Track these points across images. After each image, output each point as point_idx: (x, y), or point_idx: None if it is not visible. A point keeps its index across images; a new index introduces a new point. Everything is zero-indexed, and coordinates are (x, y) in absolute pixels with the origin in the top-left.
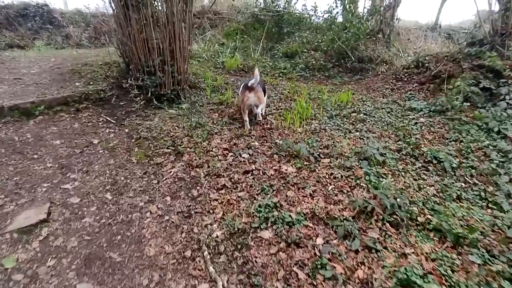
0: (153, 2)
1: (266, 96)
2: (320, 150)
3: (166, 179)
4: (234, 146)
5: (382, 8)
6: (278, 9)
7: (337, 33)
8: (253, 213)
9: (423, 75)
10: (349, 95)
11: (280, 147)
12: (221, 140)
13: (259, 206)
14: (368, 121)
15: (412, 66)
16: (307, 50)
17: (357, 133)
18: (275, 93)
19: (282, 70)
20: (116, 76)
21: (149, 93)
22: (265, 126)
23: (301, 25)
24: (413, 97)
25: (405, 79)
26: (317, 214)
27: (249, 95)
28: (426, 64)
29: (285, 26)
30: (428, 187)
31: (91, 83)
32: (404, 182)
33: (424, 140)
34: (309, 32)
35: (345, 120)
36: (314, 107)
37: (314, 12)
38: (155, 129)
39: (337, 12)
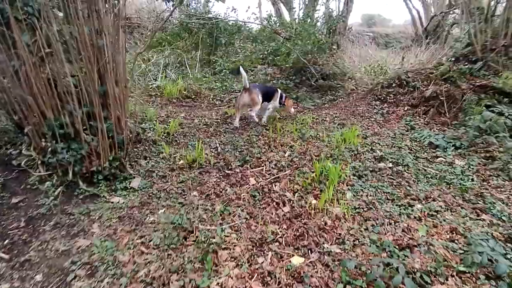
0: (60, 12)
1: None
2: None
3: None
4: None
5: (334, 17)
6: (211, 17)
7: (294, 45)
8: None
9: (412, 95)
10: (353, 131)
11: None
12: (240, 269)
13: None
14: (407, 176)
15: (395, 84)
16: (257, 64)
17: (419, 206)
18: (254, 135)
19: (238, 94)
20: None
21: (70, 173)
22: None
23: (240, 34)
24: (417, 126)
25: (391, 100)
26: None
27: (244, 95)
28: (412, 83)
29: (222, 36)
30: None
31: None
32: None
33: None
34: (251, 43)
35: (378, 177)
36: (314, 151)
37: (256, 20)
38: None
39: (273, 22)
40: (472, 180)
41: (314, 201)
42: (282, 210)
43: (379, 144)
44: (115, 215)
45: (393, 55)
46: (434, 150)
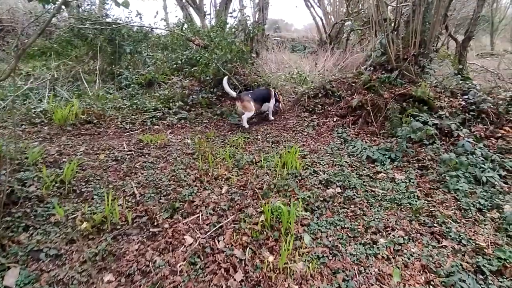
0: None
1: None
2: None
3: None
4: None
5: (250, 24)
6: (111, 21)
7: (212, 55)
8: None
9: (339, 105)
10: (292, 153)
11: None
12: None
13: None
14: (358, 201)
15: (321, 94)
16: (171, 75)
17: (382, 240)
18: (181, 169)
19: (154, 113)
20: None
21: None
22: None
23: (147, 41)
24: (349, 138)
25: (319, 111)
26: None
27: (237, 104)
28: (338, 93)
29: (126, 43)
30: None
31: None
32: None
33: (465, 227)
34: (162, 51)
35: (331, 207)
36: (255, 183)
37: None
38: None
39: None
40: (418, 198)
41: (271, 258)
42: (234, 279)
43: (320, 164)
44: None
45: (305, 60)
46: (373, 165)
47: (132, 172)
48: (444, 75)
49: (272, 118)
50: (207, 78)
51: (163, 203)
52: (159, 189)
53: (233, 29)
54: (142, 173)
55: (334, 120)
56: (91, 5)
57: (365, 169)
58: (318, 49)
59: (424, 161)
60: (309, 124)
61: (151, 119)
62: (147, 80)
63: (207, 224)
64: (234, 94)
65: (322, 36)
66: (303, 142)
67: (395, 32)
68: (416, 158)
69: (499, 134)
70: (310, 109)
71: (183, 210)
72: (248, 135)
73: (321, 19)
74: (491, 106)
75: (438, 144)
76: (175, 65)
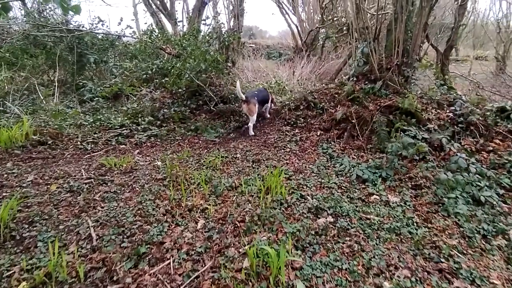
0: None
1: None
2: None
3: None
4: None
5: (224, 32)
6: (73, 28)
7: (184, 65)
8: None
9: (322, 118)
10: (276, 176)
11: None
12: None
13: None
14: (354, 233)
15: (302, 106)
16: (141, 86)
17: (387, 285)
18: (149, 200)
19: (120, 130)
20: None
21: None
22: None
23: (114, 50)
24: (335, 154)
25: (301, 124)
26: None
27: (243, 106)
28: (320, 105)
29: (89, 52)
30: None
31: None
32: None
33: (474, 260)
34: (130, 60)
35: (324, 243)
36: (236, 214)
37: (134, 34)
38: None
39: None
40: (417, 225)
41: None
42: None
43: (307, 186)
44: None
45: (282, 67)
46: (364, 186)
47: (90, 207)
48: (429, 85)
49: (268, 116)
50: (180, 90)
51: (126, 247)
52: (121, 228)
53: (207, 37)
54: (102, 207)
55: (318, 134)
56: (53, 10)
57: (356, 190)
58: (294, 56)
59: (417, 178)
60: (292, 139)
61: (116, 138)
62: (113, 92)
63: (179, 274)
64: (244, 97)
65: (298, 43)
66: (286, 160)
67: (376, 41)
68: (408, 175)
69: (490, 148)
70: (292, 122)
71: (150, 256)
72: (226, 153)
73: (297, 26)
74: (479, 118)
75: (429, 160)
76: (145, 76)
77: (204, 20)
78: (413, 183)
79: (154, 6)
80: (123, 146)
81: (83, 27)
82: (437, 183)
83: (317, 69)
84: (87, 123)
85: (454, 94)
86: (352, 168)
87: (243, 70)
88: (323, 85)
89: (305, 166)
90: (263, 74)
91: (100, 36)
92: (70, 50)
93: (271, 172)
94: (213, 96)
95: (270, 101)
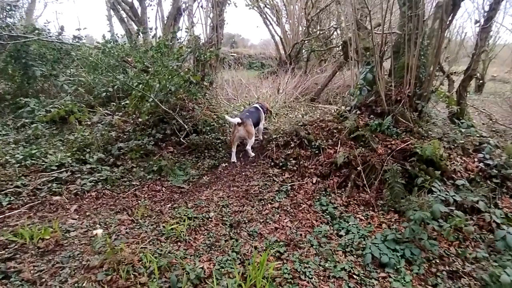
0: None
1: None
2: None
3: None
4: None
5: (202, 44)
6: (16, 35)
7: (149, 88)
8: None
9: (318, 160)
10: (263, 265)
11: None
12: None
13: None
14: None
15: (293, 144)
16: (100, 108)
17: None
18: None
19: (57, 173)
20: None
21: None
22: None
23: (69, 61)
24: (337, 212)
25: (292, 166)
26: None
27: (239, 128)
28: (316, 143)
29: (36, 64)
30: None
31: None
32: None
33: None
34: (88, 73)
35: None
36: None
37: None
38: None
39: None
40: None
41: None
42: None
43: (306, 275)
44: None
45: (265, 82)
46: (383, 274)
47: None
48: (447, 123)
49: (262, 139)
50: (143, 114)
51: None
52: None
53: (177, 55)
54: None
55: (314, 181)
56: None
57: (373, 281)
58: (278, 69)
59: (454, 262)
60: (281, 187)
61: (50, 184)
62: (59, 115)
63: None
64: (236, 121)
65: (282, 55)
66: (275, 222)
67: (381, 65)
68: (440, 255)
69: None
70: (281, 164)
71: None
72: (196, 211)
73: (280, 38)
74: None
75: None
76: (105, 93)
77: (176, 32)
78: (449, 267)
79: (123, 12)
80: (57, 198)
81: (39, 33)
82: (491, 278)
83: (301, 84)
84: (14, 161)
85: (480, 137)
86: (363, 240)
87: (223, 85)
88: (318, 116)
89: (301, 235)
90: (245, 90)
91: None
92: (16, 60)
93: (256, 249)
94: (183, 124)
95: (262, 122)
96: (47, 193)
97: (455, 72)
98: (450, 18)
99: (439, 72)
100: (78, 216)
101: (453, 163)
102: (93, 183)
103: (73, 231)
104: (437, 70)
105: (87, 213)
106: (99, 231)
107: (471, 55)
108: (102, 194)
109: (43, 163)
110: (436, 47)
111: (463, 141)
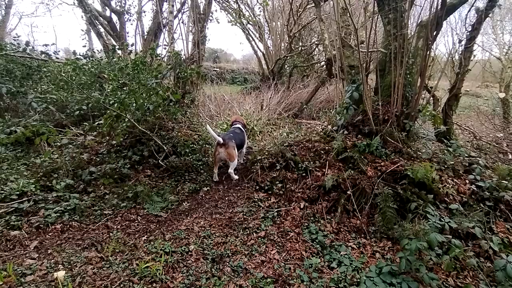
0: None
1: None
2: None
3: None
4: None
5: (183, 59)
6: None
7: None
8: None
9: (305, 183)
10: None
11: None
12: None
13: None
14: None
15: (279, 166)
16: (72, 127)
17: None
18: None
19: (18, 203)
20: None
21: None
22: None
23: (40, 77)
24: (327, 241)
25: (278, 190)
26: None
27: (220, 150)
28: (302, 164)
29: (3, 80)
30: None
31: None
32: None
33: None
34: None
35: None
36: None
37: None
38: None
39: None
40: None
41: None
42: None
43: None
44: None
45: (248, 98)
46: None
47: None
48: (435, 143)
49: (242, 161)
50: (118, 136)
51: None
52: None
53: (156, 72)
54: None
55: (301, 206)
56: None
57: None
58: (261, 84)
59: None
60: (267, 214)
61: (7, 217)
62: (25, 136)
63: None
64: (220, 139)
65: (265, 71)
66: (261, 255)
67: (366, 83)
68: None
69: None
70: (266, 187)
71: None
72: (174, 244)
73: (263, 54)
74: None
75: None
76: (78, 112)
77: (155, 48)
78: None
79: (100, 27)
80: (15, 233)
81: (1, 48)
82: None
83: (285, 99)
84: None
85: (469, 156)
86: (357, 274)
87: (205, 101)
88: (304, 134)
89: (290, 269)
90: (228, 106)
91: (23, 60)
92: None
93: None
94: (162, 145)
95: (246, 145)
96: (3, 227)
97: (431, 87)
98: (433, 37)
99: (424, 91)
100: (38, 255)
101: (445, 185)
102: (58, 214)
103: (30, 274)
104: (423, 88)
105: (49, 251)
106: (61, 274)
107: (456, 74)
108: (68, 226)
109: (2, 192)
110: (422, 66)
111: (453, 162)
